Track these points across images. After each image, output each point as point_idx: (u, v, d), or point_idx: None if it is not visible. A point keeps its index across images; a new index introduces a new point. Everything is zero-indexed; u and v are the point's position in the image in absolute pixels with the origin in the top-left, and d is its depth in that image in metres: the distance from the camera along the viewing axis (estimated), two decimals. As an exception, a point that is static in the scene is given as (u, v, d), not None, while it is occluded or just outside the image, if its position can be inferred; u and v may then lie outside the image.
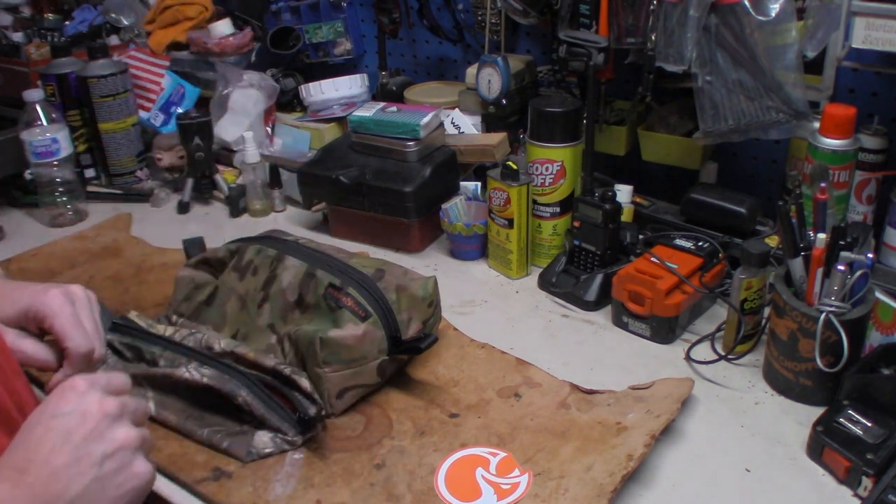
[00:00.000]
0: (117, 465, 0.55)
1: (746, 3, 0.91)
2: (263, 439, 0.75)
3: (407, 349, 0.81)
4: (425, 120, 1.12)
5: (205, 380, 0.76)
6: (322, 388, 0.78)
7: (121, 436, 0.55)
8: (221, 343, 0.81)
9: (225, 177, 1.33)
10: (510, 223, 1.03)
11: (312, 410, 0.75)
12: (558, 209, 1.06)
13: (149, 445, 0.59)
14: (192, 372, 0.77)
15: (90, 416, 0.55)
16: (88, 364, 0.66)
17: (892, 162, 1.00)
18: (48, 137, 1.22)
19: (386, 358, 0.80)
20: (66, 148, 1.24)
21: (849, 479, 0.70)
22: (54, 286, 0.68)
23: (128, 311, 0.87)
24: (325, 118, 1.40)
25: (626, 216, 1.07)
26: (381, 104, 1.20)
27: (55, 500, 0.52)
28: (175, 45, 1.52)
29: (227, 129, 1.38)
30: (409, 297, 0.83)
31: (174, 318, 0.90)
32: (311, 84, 1.40)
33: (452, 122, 1.25)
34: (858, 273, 0.76)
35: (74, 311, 0.66)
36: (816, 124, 0.93)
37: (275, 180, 1.28)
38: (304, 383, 0.76)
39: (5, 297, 0.68)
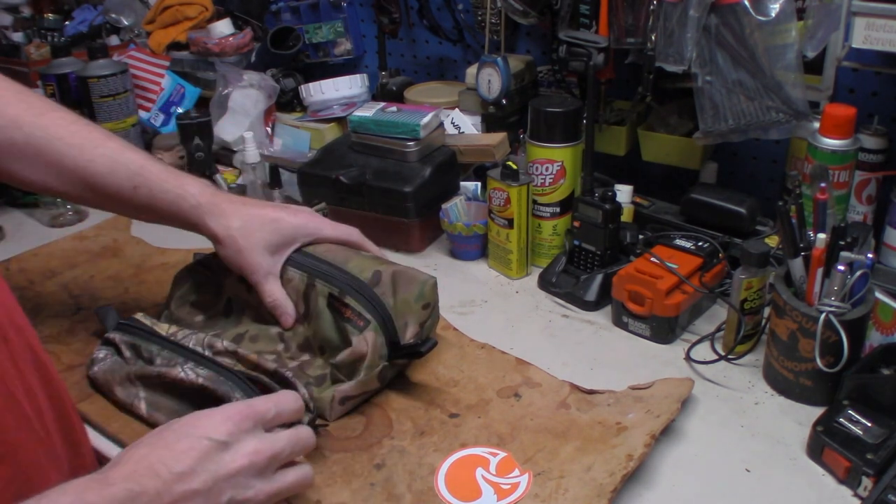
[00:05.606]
0: None
1: (746, 3, 0.91)
2: None
3: (407, 354, 0.81)
4: (425, 120, 1.12)
5: (200, 380, 0.76)
6: (325, 400, 0.78)
7: (253, 492, 0.56)
8: (224, 342, 0.81)
9: (225, 177, 1.33)
10: (510, 223, 1.03)
11: (306, 419, 0.75)
12: (558, 209, 1.06)
13: (291, 494, 0.61)
14: (187, 372, 0.77)
15: (239, 458, 0.56)
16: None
17: (892, 162, 1.00)
18: (48, 137, 1.22)
19: (386, 364, 0.80)
20: (66, 148, 1.24)
21: (849, 479, 0.70)
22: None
23: (131, 312, 0.87)
24: (325, 118, 1.40)
25: (626, 216, 1.07)
26: (381, 104, 1.20)
27: None
28: (175, 45, 1.52)
29: (227, 129, 1.38)
30: (403, 300, 0.82)
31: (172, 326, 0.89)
32: (311, 84, 1.40)
33: (452, 122, 1.25)
34: (858, 273, 0.76)
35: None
36: (816, 124, 0.93)
37: (275, 180, 1.28)
38: (302, 390, 0.76)
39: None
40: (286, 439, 0.61)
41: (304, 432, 0.63)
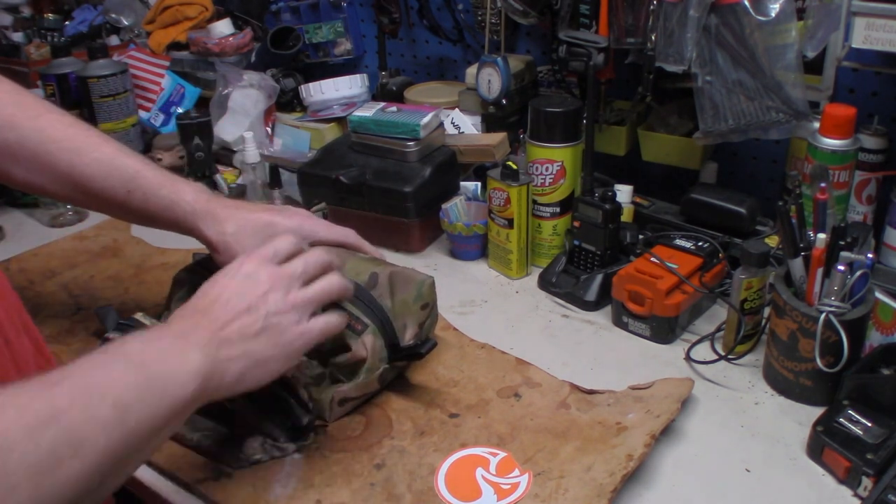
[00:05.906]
0: (280, 322, 0.67)
1: (746, 3, 0.91)
2: (254, 445, 0.74)
3: (407, 355, 0.81)
4: (425, 120, 1.12)
5: None
6: (324, 401, 0.78)
7: (283, 302, 0.67)
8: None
9: (225, 177, 1.33)
10: (510, 223, 1.03)
11: (305, 419, 0.74)
12: (558, 209, 1.06)
13: (325, 298, 0.71)
14: None
15: (262, 282, 0.67)
16: None
17: (892, 162, 1.00)
18: (48, 137, 1.22)
19: (387, 366, 0.80)
20: (66, 148, 1.24)
21: (849, 479, 0.70)
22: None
23: (130, 312, 0.87)
24: (325, 118, 1.40)
25: (626, 216, 1.07)
26: (381, 104, 1.20)
27: (228, 340, 0.63)
28: (175, 45, 1.53)
29: (227, 129, 1.38)
30: (401, 301, 0.82)
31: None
32: (311, 84, 1.40)
33: (452, 122, 1.25)
34: (858, 273, 0.76)
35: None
36: (816, 124, 0.93)
37: (275, 180, 1.28)
38: (301, 391, 0.75)
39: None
40: (299, 260, 0.71)
41: (314, 253, 0.73)
